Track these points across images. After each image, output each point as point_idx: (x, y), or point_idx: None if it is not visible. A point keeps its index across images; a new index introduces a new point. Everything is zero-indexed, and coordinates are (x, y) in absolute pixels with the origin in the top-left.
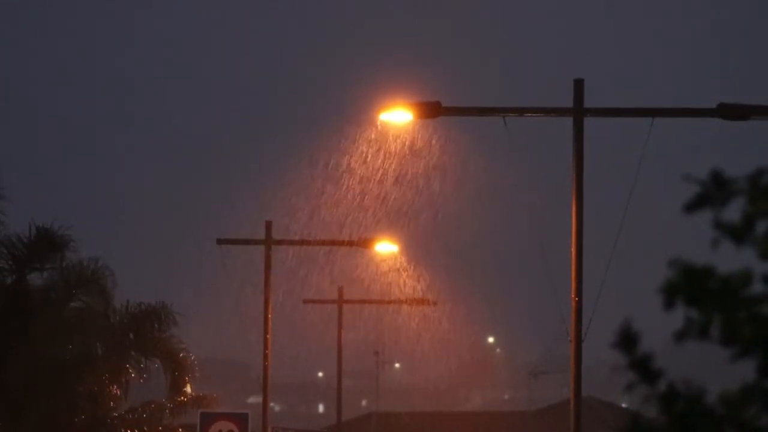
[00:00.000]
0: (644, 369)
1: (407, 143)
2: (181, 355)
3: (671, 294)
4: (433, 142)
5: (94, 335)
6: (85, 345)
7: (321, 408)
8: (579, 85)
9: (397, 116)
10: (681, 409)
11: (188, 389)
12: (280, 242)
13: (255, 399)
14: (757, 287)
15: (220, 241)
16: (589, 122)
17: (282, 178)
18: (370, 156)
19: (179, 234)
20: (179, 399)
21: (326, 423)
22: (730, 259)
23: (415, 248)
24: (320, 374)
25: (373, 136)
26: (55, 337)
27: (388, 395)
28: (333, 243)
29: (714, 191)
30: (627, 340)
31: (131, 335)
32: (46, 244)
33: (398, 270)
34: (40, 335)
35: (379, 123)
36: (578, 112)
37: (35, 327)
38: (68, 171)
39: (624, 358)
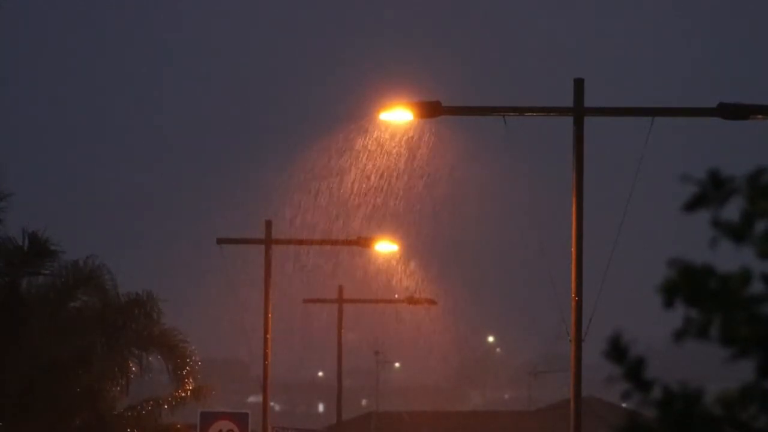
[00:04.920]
0: (636, 378)
1: (407, 143)
2: (180, 345)
3: (671, 293)
4: (433, 141)
5: (91, 334)
6: (83, 344)
7: (321, 408)
8: (579, 84)
9: (397, 116)
10: (679, 410)
11: (190, 385)
12: (280, 242)
13: (255, 399)
14: (756, 287)
15: (220, 241)
16: (589, 122)
17: (282, 178)
18: (369, 156)
19: (179, 234)
20: (177, 394)
21: (326, 423)
22: (729, 258)
23: (416, 248)
24: (320, 374)
25: (373, 136)
26: (52, 338)
27: (388, 395)
28: (333, 242)
29: (712, 191)
30: (617, 351)
31: (125, 330)
32: (37, 252)
33: (398, 269)
34: (37, 336)
35: (379, 122)
36: (578, 111)
37: (33, 328)
38: (68, 169)
39: (617, 369)
